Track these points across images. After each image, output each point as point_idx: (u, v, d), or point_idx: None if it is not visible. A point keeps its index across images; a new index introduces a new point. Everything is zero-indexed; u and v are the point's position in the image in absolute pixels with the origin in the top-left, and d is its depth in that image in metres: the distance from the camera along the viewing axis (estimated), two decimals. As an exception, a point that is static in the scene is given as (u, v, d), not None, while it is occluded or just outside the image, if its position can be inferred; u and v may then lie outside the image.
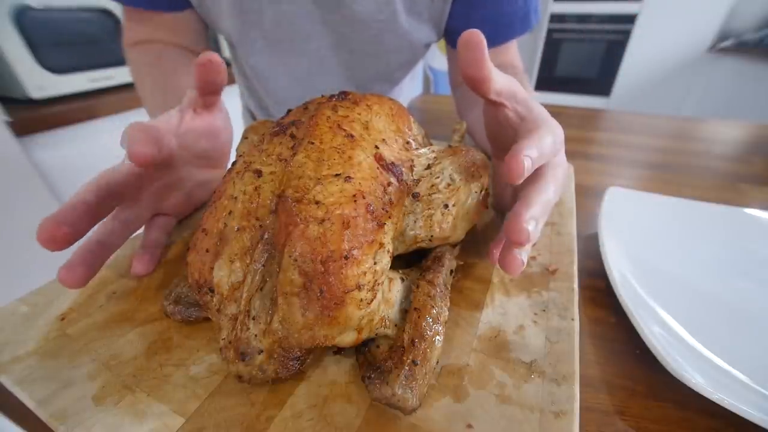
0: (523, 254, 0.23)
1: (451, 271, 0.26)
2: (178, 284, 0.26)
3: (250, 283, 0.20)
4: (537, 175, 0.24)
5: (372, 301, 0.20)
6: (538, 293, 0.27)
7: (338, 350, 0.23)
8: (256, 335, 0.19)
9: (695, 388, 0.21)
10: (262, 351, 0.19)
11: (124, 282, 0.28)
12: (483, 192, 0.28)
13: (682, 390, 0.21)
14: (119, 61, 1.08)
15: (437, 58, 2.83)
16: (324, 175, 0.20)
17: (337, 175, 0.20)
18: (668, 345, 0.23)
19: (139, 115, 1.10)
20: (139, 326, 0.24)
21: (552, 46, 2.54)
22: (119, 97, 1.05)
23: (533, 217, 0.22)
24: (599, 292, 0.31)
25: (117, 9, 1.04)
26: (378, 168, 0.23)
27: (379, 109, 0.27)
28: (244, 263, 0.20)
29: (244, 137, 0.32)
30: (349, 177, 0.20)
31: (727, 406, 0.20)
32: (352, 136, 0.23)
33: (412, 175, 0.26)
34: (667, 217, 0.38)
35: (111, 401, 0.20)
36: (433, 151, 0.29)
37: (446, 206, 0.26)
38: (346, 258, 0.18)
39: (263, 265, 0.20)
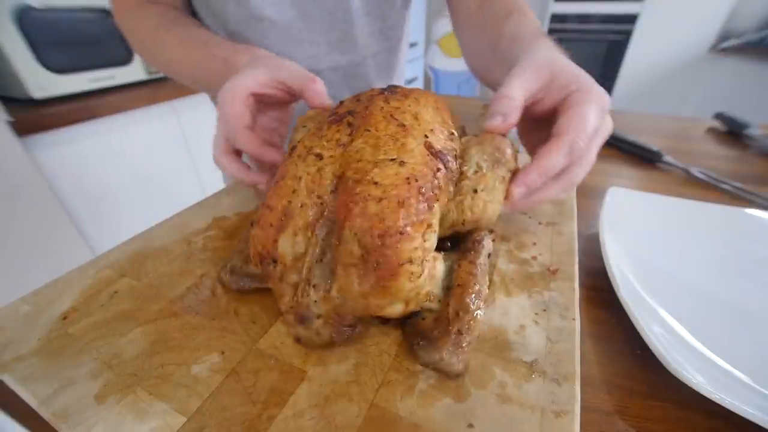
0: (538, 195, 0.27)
1: (489, 254, 0.27)
2: (233, 257, 0.29)
3: (311, 254, 0.22)
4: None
5: (420, 275, 0.21)
6: (539, 293, 0.27)
7: (384, 321, 0.24)
8: (315, 301, 0.21)
9: (696, 388, 0.21)
10: (320, 316, 0.21)
11: (125, 281, 0.28)
12: (510, 175, 0.29)
13: (683, 390, 0.21)
14: (120, 61, 1.08)
15: (437, 58, 2.83)
16: (381, 159, 0.22)
17: (392, 159, 0.22)
18: (669, 345, 0.23)
19: (139, 115, 1.10)
20: (141, 325, 0.24)
21: (553, 46, 2.54)
22: (120, 97, 1.05)
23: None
24: (600, 292, 0.31)
25: (118, 9, 1.04)
26: (428, 155, 0.24)
27: (425, 101, 0.29)
28: (306, 236, 0.22)
29: (302, 125, 0.34)
30: (403, 162, 0.22)
31: (727, 406, 0.20)
32: (404, 125, 0.25)
33: (456, 164, 0.28)
34: (667, 217, 0.38)
35: (113, 400, 0.20)
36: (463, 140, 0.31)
37: (475, 191, 0.28)
38: (401, 233, 0.20)
39: (323, 239, 0.22)
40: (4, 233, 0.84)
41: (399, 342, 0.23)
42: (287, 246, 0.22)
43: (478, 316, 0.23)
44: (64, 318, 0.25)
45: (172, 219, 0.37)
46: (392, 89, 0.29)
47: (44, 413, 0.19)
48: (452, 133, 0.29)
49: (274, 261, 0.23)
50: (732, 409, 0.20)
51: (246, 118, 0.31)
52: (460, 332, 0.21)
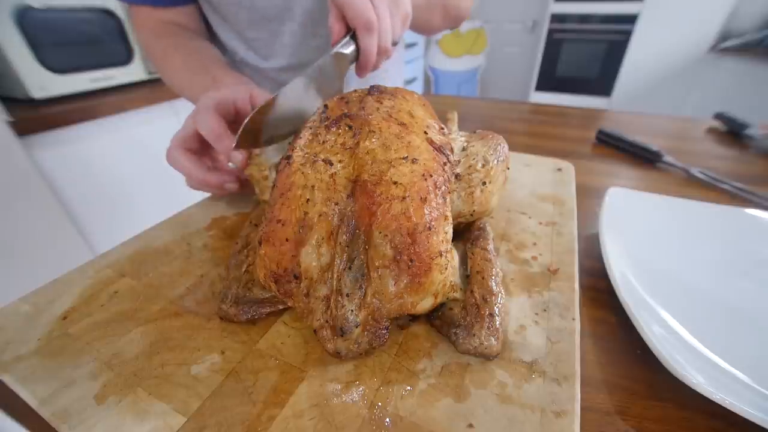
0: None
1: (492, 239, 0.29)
2: (230, 286, 0.26)
3: (339, 263, 0.21)
4: None
5: (447, 266, 0.22)
6: (539, 293, 0.27)
7: (413, 318, 0.25)
8: (352, 310, 0.21)
9: (696, 388, 0.21)
10: (359, 324, 0.21)
11: (125, 281, 0.28)
12: (509, 169, 0.33)
13: (683, 390, 0.21)
14: (120, 61, 1.08)
15: (437, 58, 2.83)
16: (394, 158, 0.22)
17: (404, 157, 0.23)
18: (669, 345, 0.23)
19: (139, 115, 1.10)
20: (141, 325, 0.24)
21: (553, 46, 2.54)
22: (120, 97, 1.05)
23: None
24: (600, 292, 0.31)
25: (118, 9, 1.04)
26: (433, 150, 0.25)
27: (413, 99, 0.30)
28: (330, 246, 0.21)
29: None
30: (415, 159, 0.23)
31: (727, 406, 0.20)
32: (404, 123, 0.25)
33: (453, 156, 0.29)
34: (667, 217, 0.38)
35: (112, 400, 0.20)
36: (462, 136, 0.32)
37: (484, 183, 0.29)
38: (429, 229, 0.20)
39: (347, 246, 0.21)
40: (4, 233, 0.83)
41: (399, 342, 0.23)
42: (311, 259, 0.21)
43: (502, 299, 0.24)
44: (64, 318, 0.25)
45: (172, 219, 0.37)
46: (377, 89, 0.29)
47: (44, 413, 0.19)
48: (442, 128, 0.30)
49: (296, 277, 0.21)
50: (732, 409, 0.20)
51: (213, 105, 0.33)
52: (491, 315, 0.22)
